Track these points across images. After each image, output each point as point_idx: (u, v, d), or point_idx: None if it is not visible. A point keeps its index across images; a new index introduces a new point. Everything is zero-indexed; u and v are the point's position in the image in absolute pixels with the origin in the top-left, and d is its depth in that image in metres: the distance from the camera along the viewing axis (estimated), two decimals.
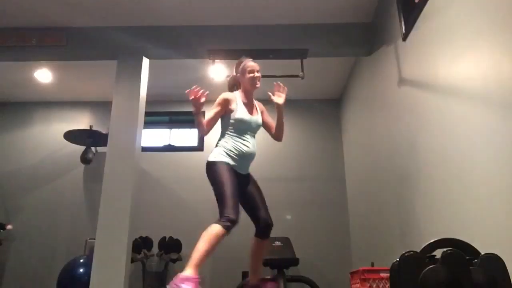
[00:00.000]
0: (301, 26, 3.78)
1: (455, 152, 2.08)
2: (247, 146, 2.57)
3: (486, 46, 1.80)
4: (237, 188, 2.43)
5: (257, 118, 2.69)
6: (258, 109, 2.77)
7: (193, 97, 2.50)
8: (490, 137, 1.77)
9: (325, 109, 5.25)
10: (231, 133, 2.61)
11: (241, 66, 2.74)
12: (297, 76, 3.75)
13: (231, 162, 2.51)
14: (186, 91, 2.48)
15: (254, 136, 2.69)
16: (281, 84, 2.72)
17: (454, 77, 2.12)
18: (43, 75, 4.67)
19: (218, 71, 4.12)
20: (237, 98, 2.67)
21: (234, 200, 2.35)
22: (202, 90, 2.51)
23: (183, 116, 5.34)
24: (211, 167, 2.50)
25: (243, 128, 2.60)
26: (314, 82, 4.67)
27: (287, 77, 3.88)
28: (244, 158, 2.56)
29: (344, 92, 5.03)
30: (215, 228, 2.29)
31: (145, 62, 3.78)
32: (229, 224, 2.28)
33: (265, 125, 2.76)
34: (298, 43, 3.75)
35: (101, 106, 5.04)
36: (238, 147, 2.55)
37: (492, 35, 1.76)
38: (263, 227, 2.53)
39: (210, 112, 2.61)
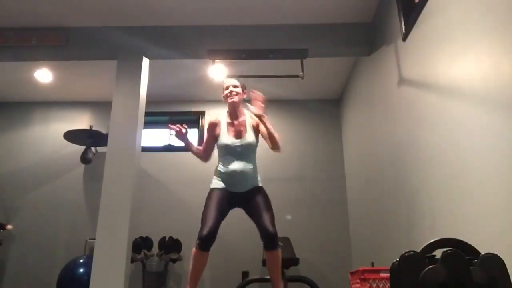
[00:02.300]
0: (301, 26, 3.78)
1: (455, 152, 2.08)
2: (235, 167, 2.61)
3: (486, 46, 1.80)
4: (217, 208, 2.53)
5: (242, 140, 2.66)
6: (248, 125, 2.71)
7: (175, 133, 2.69)
8: (490, 137, 1.77)
9: (325, 109, 5.25)
10: (220, 156, 2.71)
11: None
12: (297, 76, 3.75)
13: (221, 185, 2.63)
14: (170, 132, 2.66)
15: (244, 155, 2.65)
16: (255, 92, 2.59)
17: (454, 77, 2.12)
18: (43, 75, 4.66)
19: (218, 71, 4.12)
20: (221, 121, 2.73)
21: (206, 220, 2.47)
22: (179, 126, 2.68)
23: (183, 116, 5.34)
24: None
25: (227, 152, 2.65)
26: (314, 82, 4.67)
27: (287, 77, 3.89)
28: (234, 178, 2.62)
29: (344, 92, 5.03)
30: (192, 250, 2.48)
31: (145, 62, 3.77)
32: (199, 242, 2.42)
33: (263, 137, 2.73)
34: (298, 43, 3.75)
35: (101, 106, 5.04)
36: (226, 169, 2.63)
37: (492, 35, 1.76)
38: (263, 237, 2.50)
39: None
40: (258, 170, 2.74)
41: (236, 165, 2.61)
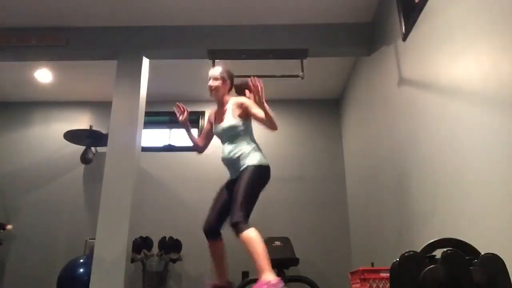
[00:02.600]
0: (301, 26, 3.78)
1: (455, 152, 2.08)
2: (224, 153, 2.73)
3: (486, 46, 1.80)
4: (216, 198, 2.72)
5: (221, 124, 2.75)
6: (229, 111, 2.72)
7: (178, 112, 2.82)
8: (490, 136, 1.77)
9: (325, 109, 5.25)
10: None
11: None
12: (297, 76, 3.74)
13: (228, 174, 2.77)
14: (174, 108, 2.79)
15: (231, 139, 2.68)
16: (254, 79, 2.46)
17: (454, 77, 2.12)
18: (43, 75, 4.67)
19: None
20: (213, 112, 2.93)
21: (209, 211, 2.68)
22: (182, 106, 2.83)
23: None
24: None
25: (221, 138, 2.80)
26: (314, 82, 4.67)
27: (287, 77, 3.89)
28: (226, 165, 2.75)
29: (344, 92, 5.03)
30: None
31: (145, 62, 3.78)
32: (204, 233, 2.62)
33: (255, 119, 2.64)
34: (298, 43, 3.75)
35: (101, 106, 5.04)
36: (222, 156, 2.76)
37: (492, 35, 1.76)
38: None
39: None
40: (251, 151, 2.63)
41: (226, 151, 2.71)
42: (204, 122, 5.17)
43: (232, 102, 2.76)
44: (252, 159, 2.60)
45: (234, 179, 2.63)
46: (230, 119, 2.71)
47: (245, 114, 2.69)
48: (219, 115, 2.81)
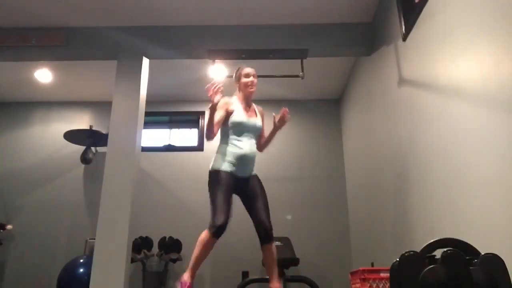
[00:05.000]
0: (301, 26, 3.78)
1: (455, 152, 2.08)
2: (244, 149, 2.61)
3: (486, 46, 1.80)
4: (229, 194, 2.52)
5: (255, 120, 2.75)
6: (257, 112, 2.83)
7: (211, 93, 2.45)
8: (490, 137, 1.77)
9: (325, 109, 5.25)
10: (229, 137, 2.66)
11: (238, 72, 2.84)
12: (297, 76, 3.75)
13: (229, 169, 2.56)
14: (206, 88, 2.46)
15: (253, 138, 2.72)
16: (287, 112, 2.77)
17: (454, 77, 2.12)
18: (43, 75, 4.66)
19: (218, 71, 4.12)
20: (234, 102, 2.74)
21: (222, 206, 2.43)
22: (218, 86, 2.46)
23: (183, 116, 5.34)
24: (210, 176, 2.60)
25: (240, 131, 2.65)
26: (314, 82, 4.67)
27: (287, 77, 3.89)
28: (242, 161, 2.60)
29: (344, 92, 5.03)
30: (203, 234, 2.44)
31: (145, 62, 3.78)
32: (214, 230, 2.39)
33: (261, 134, 2.86)
34: (298, 43, 3.75)
35: (101, 106, 5.04)
36: (235, 151, 2.60)
37: (492, 35, 1.76)
38: (261, 230, 2.52)
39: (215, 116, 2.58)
40: None
41: (248, 147, 2.63)
42: (204, 122, 5.17)
43: (255, 106, 2.85)
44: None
45: (241, 178, 2.61)
46: (260, 122, 2.79)
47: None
48: (247, 111, 2.75)
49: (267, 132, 2.88)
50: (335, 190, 4.87)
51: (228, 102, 2.69)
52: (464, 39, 2.01)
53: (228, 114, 2.65)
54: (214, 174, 2.56)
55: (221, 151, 2.64)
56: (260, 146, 2.84)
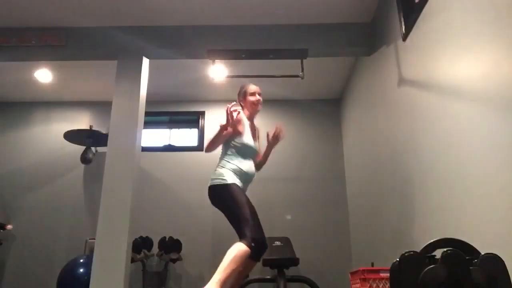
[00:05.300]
0: (301, 26, 3.78)
1: (455, 152, 2.08)
2: (252, 169, 2.66)
3: (486, 46, 1.80)
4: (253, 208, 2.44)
5: (256, 145, 2.78)
6: (258, 132, 2.88)
7: (230, 118, 2.48)
8: (490, 137, 1.77)
9: (325, 109, 5.25)
10: (238, 155, 2.64)
11: (243, 89, 2.83)
12: (297, 76, 3.74)
13: (240, 183, 2.55)
14: (228, 108, 2.49)
15: (253, 159, 2.77)
16: (281, 128, 2.77)
17: (454, 77, 2.12)
18: (43, 75, 4.66)
19: (218, 71, 4.12)
20: (246, 121, 2.74)
21: (255, 219, 2.36)
22: (235, 110, 2.52)
23: (183, 116, 5.34)
24: (223, 190, 2.48)
25: (246, 152, 2.67)
26: (314, 82, 4.67)
27: (287, 77, 3.89)
28: (247, 179, 2.64)
29: (344, 92, 5.03)
30: (241, 248, 2.24)
31: (145, 62, 3.78)
32: (253, 245, 2.24)
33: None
34: (298, 43, 3.74)
35: (101, 106, 5.04)
36: (246, 169, 2.61)
37: (492, 35, 1.76)
38: (258, 248, 2.36)
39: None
40: None
41: (252, 168, 2.69)
42: (204, 122, 5.18)
43: (256, 126, 2.86)
44: None
45: None
46: (257, 145, 2.81)
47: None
48: (252, 131, 2.77)
49: (262, 149, 2.90)
50: (335, 190, 4.87)
51: (241, 119, 2.66)
52: (464, 39, 2.01)
53: (237, 132, 2.64)
54: (232, 187, 2.48)
55: (231, 167, 2.59)
56: (257, 166, 2.79)
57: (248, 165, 2.64)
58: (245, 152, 2.66)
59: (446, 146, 2.19)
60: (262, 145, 2.91)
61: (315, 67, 4.22)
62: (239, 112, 2.52)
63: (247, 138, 2.67)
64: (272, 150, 2.83)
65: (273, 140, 2.76)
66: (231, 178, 2.53)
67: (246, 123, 2.73)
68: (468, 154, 1.96)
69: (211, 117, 5.14)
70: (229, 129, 2.53)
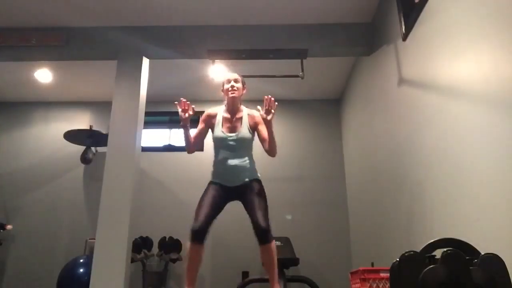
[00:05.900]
0: (301, 26, 3.78)
1: (455, 152, 2.08)
2: (227, 161, 2.62)
3: (486, 46, 1.80)
4: (210, 202, 2.58)
5: (237, 133, 2.65)
6: (245, 122, 2.69)
7: (181, 108, 2.58)
8: (490, 137, 1.77)
9: (325, 109, 5.26)
10: (214, 150, 2.72)
11: (222, 82, 2.78)
12: (297, 76, 3.75)
13: (215, 180, 2.66)
14: (175, 103, 2.58)
15: (240, 149, 2.65)
16: (269, 98, 2.49)
17: (454, 77, 2.12)
18: (43, 75, 4.67)
19: (218, 71, 4.12)
20: (218, 114, 2.73)
21: (199, 213, 2.54)
22: (189, 103, 2.59)
23: None
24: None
25: (221, 145, 2.66)
26: (314, 82, 4.67)
27: (287, 77, 3.89)
28: (227, 171, 2.63)
29: (344, 92, 5.03)
30: (187, 246, 2.46)
31: (145, 62, 3.78)
32: (191, 234, 2.45)
33: (260, 138, 2.68)
34: (298, 43, 3.75)
35: (101, 106, 5.04)
36: (219, 163, 2.65)
37: (492, 35, 1.76)
38: (255, 232, 2.47)
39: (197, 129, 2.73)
40: (254, 164, 2.72)
41: (229, 160, 2.63)
42: None
43: (246, 113, 2.72)
44: (256, 172, 2.70)
45: (231, 187, 2.62)
46: (246, 131, 2.67)
47: (254, 129, 2.70)
48: (230, 122, 2.68)
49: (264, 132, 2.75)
50: (335, 190, 4.87)
51: (210, 114, 2.72)
52: (464, 39, 2.01)
53: (210, 127, 2.71)
54: (206, 187, 2.68)
55: (212, 166, 2.71)
56: (267, 151, 2.63)
57: (224, 158, 2.63)
58: (219, 144, 2.67)
59: (445, 146, 2.19)
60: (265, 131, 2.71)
61: (315, 67, 4.22)
62: (186, 102, 2.57)
63: (216, 130, 2.68)
64: (273, 126, 2.53)
65: (266, 114, 2.48)
66: (211, 176, 2.69)
67: (221, 113, 2.71)
68: (468, 154, 1.96)
69: None
70: (185, 121, 2.61)
